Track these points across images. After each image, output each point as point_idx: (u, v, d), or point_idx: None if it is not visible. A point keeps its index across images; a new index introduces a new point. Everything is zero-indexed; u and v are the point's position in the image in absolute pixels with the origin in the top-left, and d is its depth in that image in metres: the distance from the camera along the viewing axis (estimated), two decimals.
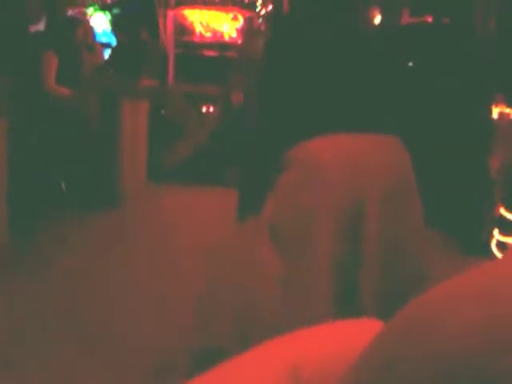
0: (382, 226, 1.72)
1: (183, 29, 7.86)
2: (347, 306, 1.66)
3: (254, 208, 1.93)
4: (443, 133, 4.35)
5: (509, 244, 4.23)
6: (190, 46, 7.75)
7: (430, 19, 5.63)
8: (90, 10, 8.11)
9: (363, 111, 1.89)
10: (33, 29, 6.23)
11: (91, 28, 6.70)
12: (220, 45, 7.78)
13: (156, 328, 3.03)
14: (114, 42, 7.62)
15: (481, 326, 0.40)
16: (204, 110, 7.20)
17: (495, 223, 4.27)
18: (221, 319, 1.81)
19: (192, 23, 7.86)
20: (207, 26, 7.86)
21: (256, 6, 8.36)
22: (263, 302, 1.71)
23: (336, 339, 0.80)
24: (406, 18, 6.04)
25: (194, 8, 7.85)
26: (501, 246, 4.25)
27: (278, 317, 1.59)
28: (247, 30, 7.67)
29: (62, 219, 4.68)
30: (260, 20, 8.31)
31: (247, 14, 8.01)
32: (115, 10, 8.23)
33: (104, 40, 7.91)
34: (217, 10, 7.90)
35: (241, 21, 7.95)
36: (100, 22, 8.20)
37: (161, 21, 7.76)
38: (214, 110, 7.14)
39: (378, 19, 5.54)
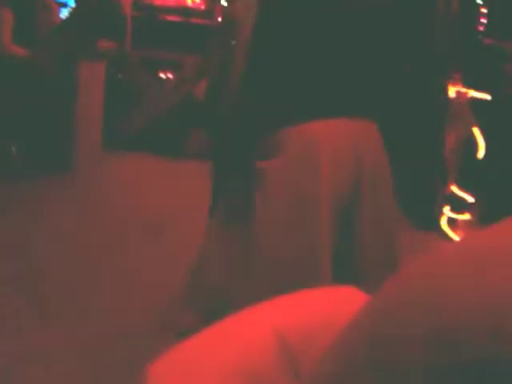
0: (372, 208, 1.77)
1: None
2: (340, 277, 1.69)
3: (228, 190, 1.90)
4: (397, 109, 4.38)
5: (459, 221, 4.36)
6: (150, 9, 7.56)
7: None
8: None
9: (358, 93, 1.80)
10: None
11: None
12: (182, 9, 7.61)
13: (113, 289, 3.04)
14: (71, 2, 7.38)
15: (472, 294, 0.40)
16: (163, 77, 7.06)
17: (446, 200, 4.38)
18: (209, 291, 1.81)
19: None
20: None
21: None
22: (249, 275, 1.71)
23: (318, 307, 0.80)
24: None
25: None
26: (451, 222, 4.38)
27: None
28: None
29: (10, 179, 4.62)
30: None
31: None
32: None
33: None
34: None
35: None
36: None
37: None
38: (174, 78, 6.98)
39: None
